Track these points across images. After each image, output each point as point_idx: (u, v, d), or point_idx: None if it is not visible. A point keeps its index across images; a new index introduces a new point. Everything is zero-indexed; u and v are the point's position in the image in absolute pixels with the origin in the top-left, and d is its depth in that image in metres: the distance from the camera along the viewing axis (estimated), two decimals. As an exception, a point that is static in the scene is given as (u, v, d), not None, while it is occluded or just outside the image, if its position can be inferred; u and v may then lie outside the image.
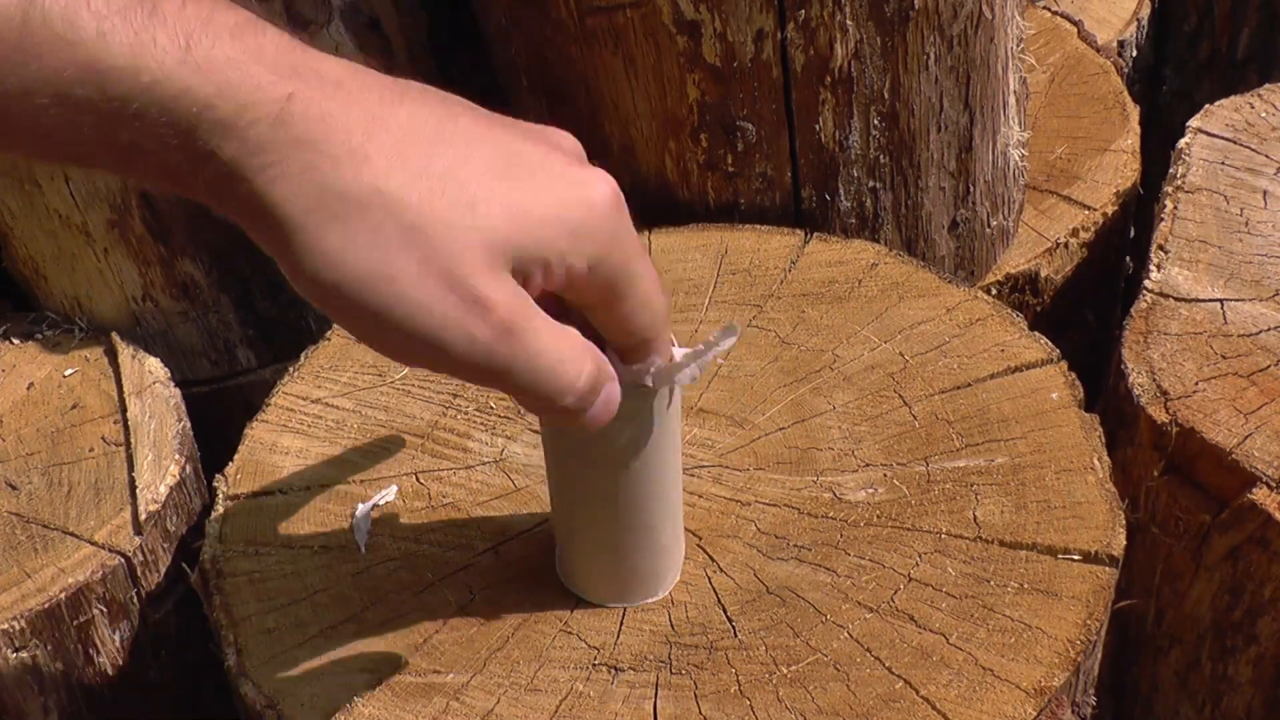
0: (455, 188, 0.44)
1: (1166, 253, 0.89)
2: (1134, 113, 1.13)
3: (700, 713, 0.59)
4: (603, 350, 0.52)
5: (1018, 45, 0.95)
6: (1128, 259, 1.12)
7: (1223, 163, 0.97)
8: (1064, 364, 0.74)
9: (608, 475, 0.58)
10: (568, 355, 0.48)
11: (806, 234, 0.87)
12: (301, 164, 0.42)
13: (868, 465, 0.70)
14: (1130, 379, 0.80)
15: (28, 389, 0.93)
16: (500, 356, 0.45)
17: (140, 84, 0.40)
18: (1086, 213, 1.04)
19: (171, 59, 0.40)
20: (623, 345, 0.53)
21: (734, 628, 0.62)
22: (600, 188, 0.48)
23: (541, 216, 0.46)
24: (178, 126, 0.41)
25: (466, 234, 0.44)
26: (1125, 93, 1.16)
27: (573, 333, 0.49)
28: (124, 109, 0.40)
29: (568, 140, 0.51)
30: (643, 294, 0.50)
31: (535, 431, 0.74)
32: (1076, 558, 0.63)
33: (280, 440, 0.76)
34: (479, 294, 0.44)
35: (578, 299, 0.50)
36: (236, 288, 1.01)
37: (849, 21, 0.82)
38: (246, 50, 0.41)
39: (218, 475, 0.74)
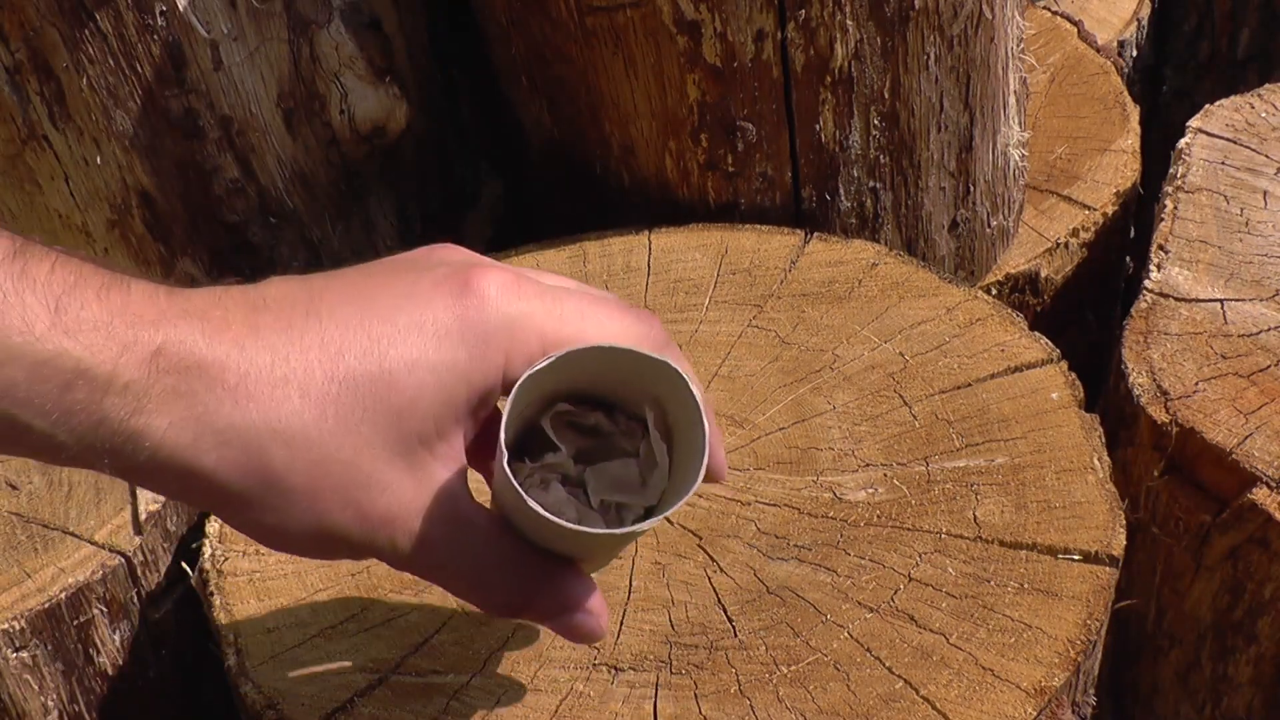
0: (336, 392, 0.43)
1: (1166, 253, 0.89)
2: (1134, 113, 1.13)
3: (700, 713, 0.59)
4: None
5: (1018, 45, 0.95)
6: (1128, 259, 1.12)
7: (1223, 163, 0.97)
8: (1064, 364, 0.74)
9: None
10: (484, 574, 0.47)
11: (806, 234, 0.86)
12: (184, 414, 0.42)
13: (868, 465, 0.70)
14: (1130, 379, 0.80)
15: (28, 389, 0.92)
16: (420, 568, 0.46)
17: (9, 345, 0.39)
18: (1086, 213, 1.04)
19: (42, 323, 0.40)
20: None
21: (734, 627, 0.62)
22: (479, 278, 0.45)
23: (417, 360, 0.44)
24: (51, 392, 0.40)
25: (356, 448, 0.44)
26: (1125, 93, 1.16)
27: (492, 542, 0.47)
28: None
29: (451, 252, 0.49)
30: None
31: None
32: (1076, 558, 0.63)
33: (280, 440, 0.76)
34: (380, 504, 0.44)
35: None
36: (236, 288, 1.01)
37: (849, 21, 0.82)
38: (112, 309, 0.41)
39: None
